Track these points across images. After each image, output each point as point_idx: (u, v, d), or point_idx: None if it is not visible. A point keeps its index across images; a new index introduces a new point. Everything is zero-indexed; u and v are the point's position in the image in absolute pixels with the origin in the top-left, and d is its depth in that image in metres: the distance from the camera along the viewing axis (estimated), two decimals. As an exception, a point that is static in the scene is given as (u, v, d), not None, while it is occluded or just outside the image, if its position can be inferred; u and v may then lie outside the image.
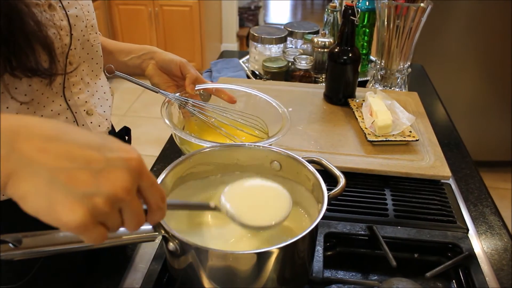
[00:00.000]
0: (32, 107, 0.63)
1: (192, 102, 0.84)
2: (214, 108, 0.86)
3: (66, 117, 0.68)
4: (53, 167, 0.36)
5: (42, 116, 0.65)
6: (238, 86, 0.91)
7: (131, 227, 0.41)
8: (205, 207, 0.59)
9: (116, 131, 0.90)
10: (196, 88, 0.87)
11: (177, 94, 0.84)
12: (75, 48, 0.67)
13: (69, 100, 0.68)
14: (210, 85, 0.89)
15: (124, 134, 0.92)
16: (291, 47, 1.41)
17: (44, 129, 0.38)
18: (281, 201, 0.60)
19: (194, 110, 0.83)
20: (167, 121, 0.77)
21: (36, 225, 0.41)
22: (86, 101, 0.72)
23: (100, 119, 0.75)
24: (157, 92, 0.86)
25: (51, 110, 0.66)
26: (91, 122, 0.73)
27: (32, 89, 0.62)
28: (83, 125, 0.71)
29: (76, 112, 0.70)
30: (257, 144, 0.70)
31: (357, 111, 1.06)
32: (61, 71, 0.65)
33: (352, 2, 1.04)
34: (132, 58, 0.89)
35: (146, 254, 0.70)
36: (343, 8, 1.05)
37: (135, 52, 0.89)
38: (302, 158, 0.66)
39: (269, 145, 0.72)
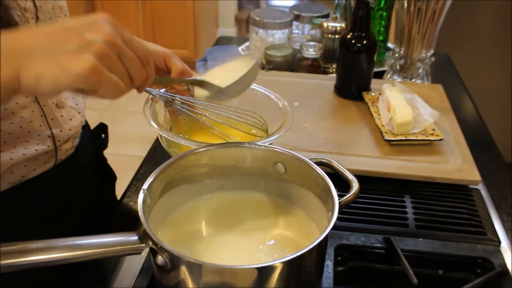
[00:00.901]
0: None
1: (180, 99, 0.84)
2: (205, 104, 0.86)
3: (32, 111, 0.69)
4: (47, 43, 0.47)
5: (6, 109, 0.65)
6: None
7: (137, 75, 0.51)
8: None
9: (92, 128, 0.90)
10: None
11: (162, 90, 0.84)
12: None
13: None
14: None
15: (100, 132, 0.92)
16: (297, 33, 1.41)
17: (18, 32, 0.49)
18: (246, 66, 0.74)
19: (182, 107, 0.83)
20: (151, 121, 0.77)
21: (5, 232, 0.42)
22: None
23: (72, 112, 0.75)
24: None
25: (16, 103, 0.66)
26: (62, 116, 0.73)
27: None
28: (52, 119, 0.71)
29: (44, 105, 0.70)
30: (258, 143, 0.70)
31: (372, 106, 1.06)
32: None
33: (367, -19, 1.04)
34: None
35: (131, 268, 0.70)
36: (357, -12, 1.06)
37: None
38: (310, 159, 0.66)
39: (269, 143, 0.72)
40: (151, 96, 0.83)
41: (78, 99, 0.78)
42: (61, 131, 0.73)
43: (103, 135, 0.93)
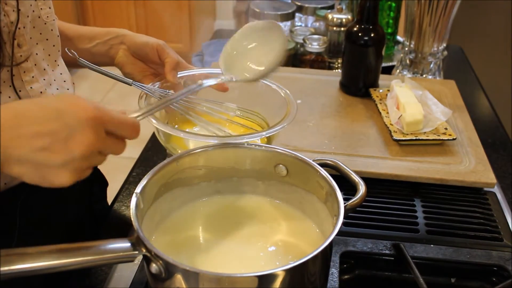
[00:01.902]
0: None
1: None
2: (203, 101, 0.86)
3: None
4: (30, 150, 0.50)
5: None
6: None
7: (117, 152, 0.56)
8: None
9: None
10: (178, 76, 0.86)
11: (156, 85, 0.84)
12: (24, 27, 0.67)
13: (19, 91, 0.68)
14: (195, 71, 0.89)
15: None
16: (300, 26, 1.41)
17: (4, 120, 0.49)
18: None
19: (177, 105, 0.83)
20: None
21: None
22: (41, 92, 0.71)
23: None
24: (130, 85, 0.85)
25: None
26: None
27: None
28: None
29: None
30: (258, 144, 0.71)
31: (380, 103, 1.06)
32: (8, 56, 0.65)
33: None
34: (97, 44, 0.88)
35: (122, 278, 0.70)
36: (364, -23, 1.06)
37: (100, 36, 0.88)
38: (313, 161, 0.67)
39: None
40: (143, 92, 0.83)
41: (65, 91, 0.77)
42: None
43: None
